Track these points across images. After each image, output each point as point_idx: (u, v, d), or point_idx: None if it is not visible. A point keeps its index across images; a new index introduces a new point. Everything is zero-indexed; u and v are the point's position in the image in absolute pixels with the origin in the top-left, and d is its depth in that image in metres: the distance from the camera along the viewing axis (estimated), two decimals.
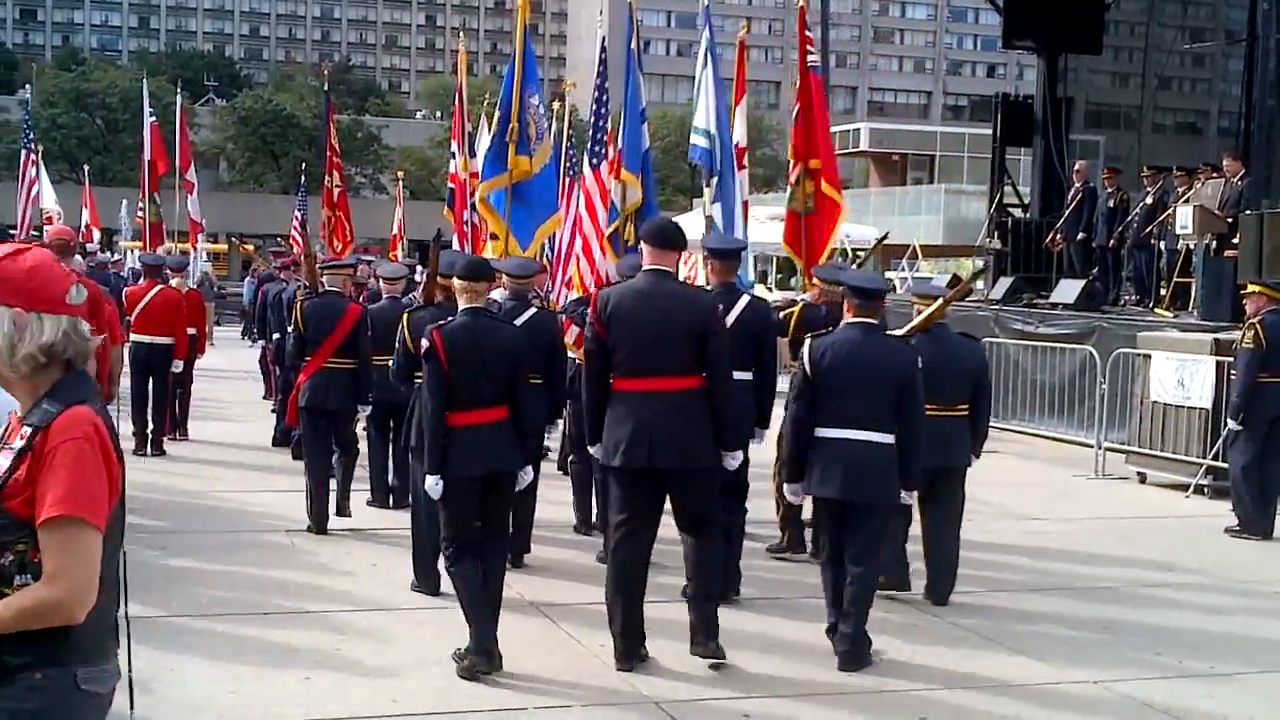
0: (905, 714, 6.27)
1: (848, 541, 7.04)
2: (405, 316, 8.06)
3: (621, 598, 6.72)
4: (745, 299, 8.07)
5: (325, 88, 19.99)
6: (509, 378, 6.74)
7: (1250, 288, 11.31)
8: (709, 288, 8.20)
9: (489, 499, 6.77)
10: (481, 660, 6.48)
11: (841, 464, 6.93)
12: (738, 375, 7.29)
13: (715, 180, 10.90)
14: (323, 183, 17.18)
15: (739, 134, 11.10)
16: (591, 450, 7.06)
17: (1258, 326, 10.78)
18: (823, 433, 6.99)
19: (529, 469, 7.01)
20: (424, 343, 6.68)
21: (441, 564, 7.78)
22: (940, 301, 8.19)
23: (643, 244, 6.99)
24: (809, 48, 11.08)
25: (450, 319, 6.87)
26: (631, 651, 6.72)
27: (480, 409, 6.66)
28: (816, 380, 6.98)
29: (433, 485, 6.68)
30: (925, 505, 8.07)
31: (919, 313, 8.21)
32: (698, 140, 10.98)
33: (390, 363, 8.18)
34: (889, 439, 6.97)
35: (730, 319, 7.74)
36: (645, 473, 6.66)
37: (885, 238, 12.74)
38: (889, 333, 7.69)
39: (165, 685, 6.25)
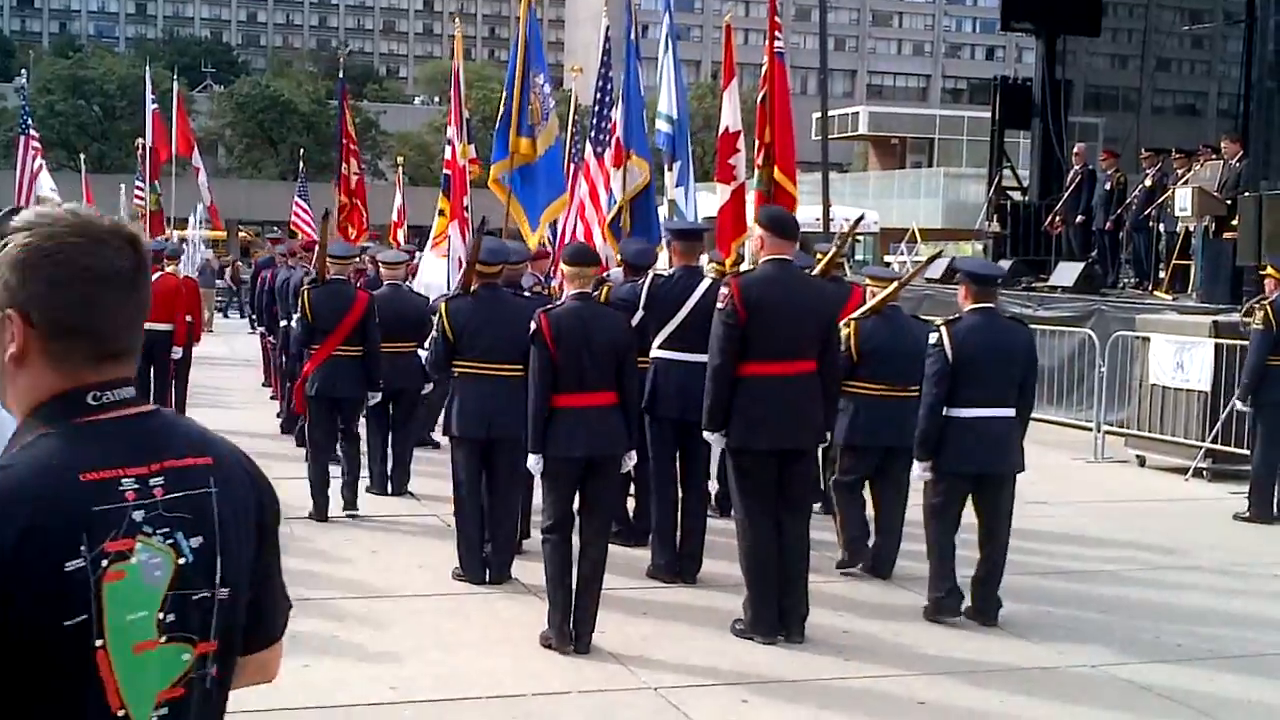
0: (904, 699, 6.27)
1: (985, 512, 7.46)
2: (443, 305, 8.06)
3: (764, 572, 6.91)
4: (707, 281, 8.20)
5: (341, 74, 19.88)
6: (616, 363, 6.82)
7: (1267, 269, 11.29)
8: (670, 270, 8.34)
9: (590, 483, 6.84)
10: (558, 638, 6.68)
11: (984, 441, 7.31)
12: (701, 358, 7.46)
13: (677, 164, 10.94)
14: (339, 170, 17.12)
15: (728, 118, 11.06)
16: (711, 435, 7.05)
17: (1268, 308, 10.73)
18: (961, 413, 7.31)
19: (633, 454, 7.06)
20: (531, 325, 6.79)
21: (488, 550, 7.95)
22: (895, 285, 8.47)
23: (763, 233, 7.08)
24: (777, 33, 11.03)
25: (557, 304, 7.00)
26: (774, 625, 6.92)
27: (585, 393, 6.75)
28: (957, 365, 7.29)
29: (534, 464, 6.84)
30: (876, 482, 8.44)
31: (873, 295, 8.36)
32: (662, 126, 11.02)
33: (425, 351, 8.22)
34: (1013, 413, 7.42)
35: (693, 301, 8.09)
36: (776, 453, 6.88)
37: (860, 220, 12.67)
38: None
39: None
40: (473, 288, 8.08)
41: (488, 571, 7.97)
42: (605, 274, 9.85)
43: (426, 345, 8.64)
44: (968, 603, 7.47)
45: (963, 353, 7.32)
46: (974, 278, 7.59)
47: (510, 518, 8.10)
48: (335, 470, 9.91)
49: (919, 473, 7.59)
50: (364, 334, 9.89)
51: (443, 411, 8.29)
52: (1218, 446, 12.37)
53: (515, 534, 8.24)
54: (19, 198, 23.13)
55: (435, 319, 8.15)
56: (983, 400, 7.33)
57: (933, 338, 7.51)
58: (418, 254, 18.45)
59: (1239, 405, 11.32)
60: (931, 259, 11.70)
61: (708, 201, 12.11)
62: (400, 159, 30.17)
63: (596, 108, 11.43)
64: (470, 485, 7.99)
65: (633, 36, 11.28)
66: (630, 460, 7.08)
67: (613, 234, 10.86)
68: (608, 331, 6.85)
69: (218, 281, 35.78)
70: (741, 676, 6.44)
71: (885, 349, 8.02)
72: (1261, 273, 11.56)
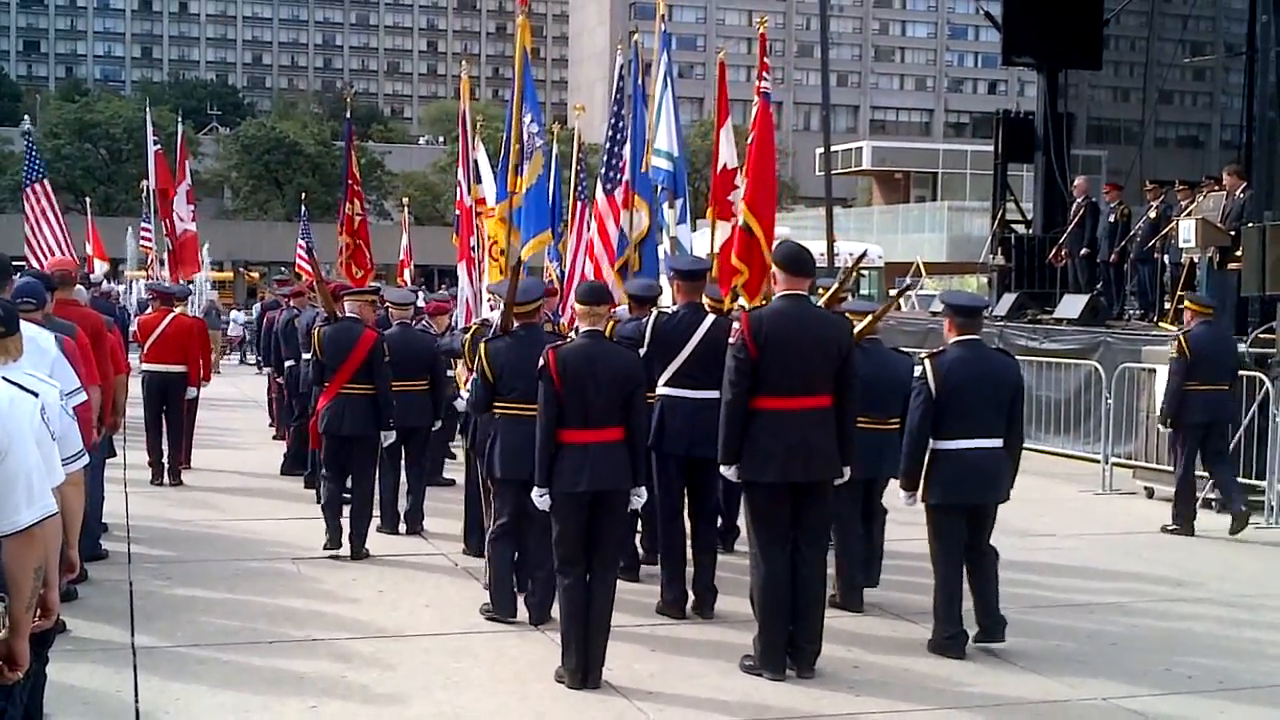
0: None
1: (972, 539, 7.53)
2: (483, 346, 8.01)
3: (775, 607, 6.93)
4: (711, 318, 8.21)
5: (349, 115, 19.93)
6: (624, 400, 6.86)
7: (1186, 303, 12.02)
8: (674, 307, 8.36)
9: (598, 519, 6.86)
10: (570, 676, 6.71)
11: (974, 472, 7.40)
12: (706, 394, 7.70)
13: (679, 201, 10.95)
14: (342, 210, 17.19)
15: (725, 155, 11.04)
16: (727, 470, 7.08)
17: (1181, 339, 11.46)
18: (948, 445, 7.39)
19: (642, 490, 7.07)
20: (540, 361, 6.85)
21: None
22: (870, 317, 8.56)
23: (777, 270, 7.13)
24: (764, 74, 11.01)
25: (567, 340, 7.11)
26: (783, 661, 6.94)
27: (590, 429, 6.78)
28: (942, 398, 7.36)
29: (538, 497, 6.90)
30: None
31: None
32: (659, 162, 11.03)
33: (467, 393, 8.26)
34: (1001, 444, 7.46)
35: (697, 338, 8.13)
36: (789, 487, 6.94)
37: (864, 255, 12.72)
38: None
39: (172, 715, 6.24)
40: (508, 326, 8.09)
41: (528, 613, 7.95)
42: (612, 311, 9.86)
43: (467, 387, 8.66)
44: (974, 632, 7.47)
45: (947, 385, 7.36)
46: (957, 310, 7.64)
47: (550, 560, 8.08)
48: (346, 510, 9.87)
49: (905, 501, 7.63)
50: (370, 372, 9.87)
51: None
52: None
53: (553, 576, 8.21)
54: (37, 251, 23.07)
55: (475, 361, 8.05)
56: (970, 432, 7.38)
57: (917, 370, 7.55)
58: (422, 293, 18.51)
59: (1160, 428, 12.00)
60: (902, 292, 11.87)
61: (701, 238, 12.11)
62: (405, 199, 30.30)
63: (608, 145, 11.44)
64: (510, 526, 7.94)
65: (639, 80, 11.33)
66: (639, 497, 7.08)
67: (619, 274, 10.87)
68: (615, 368, 6.86)
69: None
70: (750, 712, 6.41)
71: (864, 381, 8.02)
72: (1180, 306, 12.07)
